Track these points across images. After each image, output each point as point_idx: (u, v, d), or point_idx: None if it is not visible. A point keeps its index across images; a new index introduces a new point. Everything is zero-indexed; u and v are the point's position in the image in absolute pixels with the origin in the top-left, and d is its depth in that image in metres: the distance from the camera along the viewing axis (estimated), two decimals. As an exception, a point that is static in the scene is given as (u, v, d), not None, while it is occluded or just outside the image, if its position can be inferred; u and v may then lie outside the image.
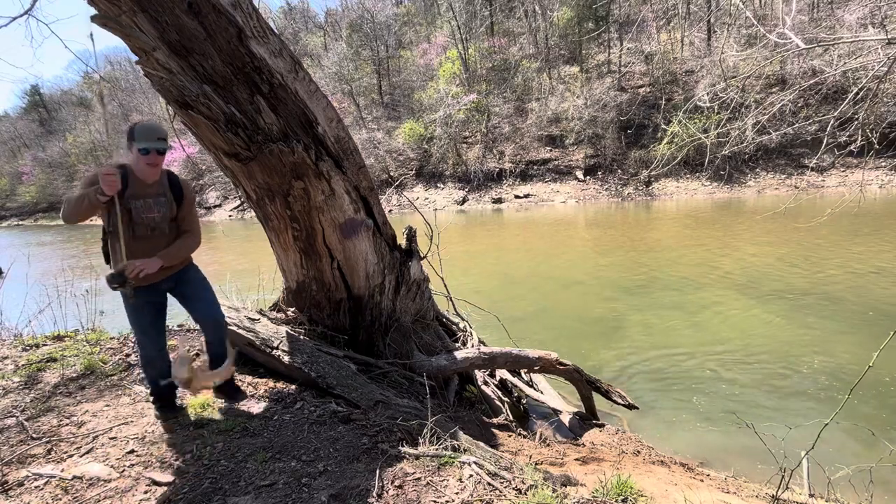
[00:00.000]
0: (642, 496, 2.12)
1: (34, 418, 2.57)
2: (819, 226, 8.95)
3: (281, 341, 3.14)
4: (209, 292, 2.61)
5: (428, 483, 1.99)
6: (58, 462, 2.18)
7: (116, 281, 2.23)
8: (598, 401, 4.13)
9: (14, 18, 3.36)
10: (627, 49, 28.65)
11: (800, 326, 5.91)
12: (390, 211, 24.07)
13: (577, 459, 3.01)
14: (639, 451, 3.41)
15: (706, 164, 21.27)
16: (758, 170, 22.60)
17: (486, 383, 4.22)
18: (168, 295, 2.54)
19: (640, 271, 9.32)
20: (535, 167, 27.57)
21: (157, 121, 2.34)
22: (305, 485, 2.00)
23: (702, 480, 2.89)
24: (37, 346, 3.72)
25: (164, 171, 2.40)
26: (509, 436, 3.32)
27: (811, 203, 15.50)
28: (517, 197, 26.44)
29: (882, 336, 2.07)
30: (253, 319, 3.30)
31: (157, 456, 2.22)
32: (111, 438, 2.39)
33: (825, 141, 3.87)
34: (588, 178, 26.03)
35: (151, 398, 2.61)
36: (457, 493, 1.93)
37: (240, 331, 3.23)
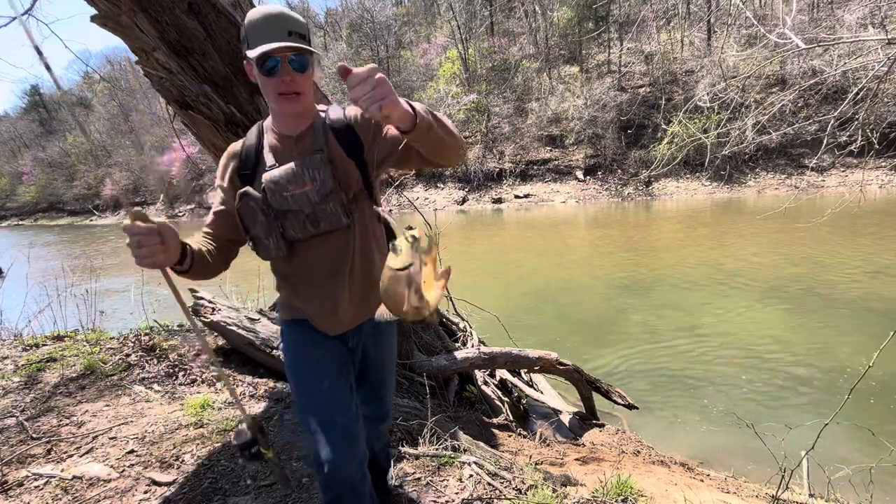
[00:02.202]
0: (642, 496, 2.12)
1: (34, 418, 2.57)
2: (819, 226, 8.95)
3: (281, 341, 3.15)
4: (387, 383, 1.60)
5: (428, 483, 1.99)
6: (58, 462, 2.18)
7: (245, 444, 1.27)
8: (598, 401, 4.13)
9: (14, 18, 3.36)
10: (627, 49, 28.64)
11: (800, 326, 5.91)
12: (390, 211, 24.01)
13: (577, 459, 3.01)
14: (639, 451, 3.40)
15: (706, 164, 21.27)
16: (758, 170, 22.59)
17: (486, 383, 4.21)
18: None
19: (640, 271, 9.32)
20: (535, 167, 27.57)
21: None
22: (305, 485, 2.00)
23: (702, 480, 2.89)
24: (37, 346, 3.72)
25: (321, 111, 1.33)
26: (509, 436, 3.32)
27: (811, 203, 15.50)
28: (517, 197, 26.44)
29: (882, 336, 2.07)
30: (253, 319, 3.30)
31: (157, 456, 2.22)
32: (111, 438, 2.39)
33: (825, 141, 3.87)
34: (588, 178, 26.02)
35: None
36: (457, 493, 1.93)
37: (240, 331, 3.23)
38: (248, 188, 1.25)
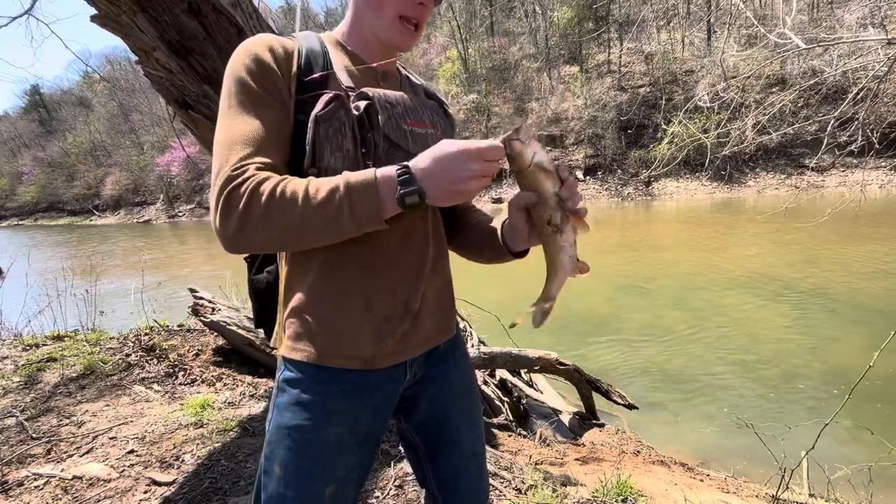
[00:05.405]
0: (642, 496, 2.12)
1: (34, 418, 2.57)
2: (819, 226, 8.96)
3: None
4: (476, 433, 1.09)
5: (428, 483, 1.99)
6: (58, 462, 2.18)
7: None
8: (598, 401, 4.13)
9: (14, 18, 3.37)
10: (627, 49, 28.65)
11: (800, 326, 5.91)
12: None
13: (577, 459, 3.01)
14: (639, 451, 3.40)
15: (706, 164, 21.24)
16: (758, 170, 22.60)
17: (486, 383, 4.21)
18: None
19: (640, 271, 9.32)
20: (535, 167, 27.57)
21: None
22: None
23: (702, 480, 2.89)
24: (37, 346, 3.72)
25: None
26: (509, 436, 3.32)
27: (811, 203, 15.50)
28: (517, 197, 26.46)
29: (882, 336, 2.07)
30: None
31: (157, 456, 2.22)
32: (111, 438, 2.39)
33: (825, 141, 3.87)
34: (588, 178, 26.03)
35: None
36: (457, 493, 1.93)
37: (240, 331, 3.23)
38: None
